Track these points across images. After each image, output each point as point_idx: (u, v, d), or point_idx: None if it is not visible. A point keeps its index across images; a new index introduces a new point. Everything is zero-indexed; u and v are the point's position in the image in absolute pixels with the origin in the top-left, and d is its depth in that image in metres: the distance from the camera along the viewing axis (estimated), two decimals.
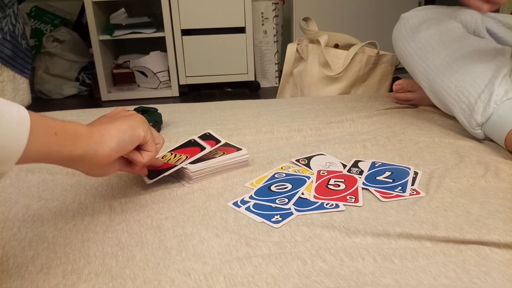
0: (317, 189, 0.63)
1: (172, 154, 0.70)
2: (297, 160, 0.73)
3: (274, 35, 2.50)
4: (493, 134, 0.78)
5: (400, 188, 0.63)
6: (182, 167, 0.65)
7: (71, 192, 0.65)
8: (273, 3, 2.43)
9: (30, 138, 0.39)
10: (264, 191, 0.63)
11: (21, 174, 0.71)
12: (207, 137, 0.72)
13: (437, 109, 0.97)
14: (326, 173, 0.68)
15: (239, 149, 0.71)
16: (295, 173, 0.69)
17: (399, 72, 1.36)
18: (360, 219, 0.55)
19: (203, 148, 0.68)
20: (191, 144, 0.71)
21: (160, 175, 0.64)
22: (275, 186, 0.64)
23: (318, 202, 0.59)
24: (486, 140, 0.81)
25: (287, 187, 0.64)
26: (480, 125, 0.79)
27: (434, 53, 0.88)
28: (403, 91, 1.07)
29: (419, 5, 2.50)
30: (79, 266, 0.47)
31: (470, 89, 0.80)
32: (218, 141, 0.70)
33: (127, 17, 2.31)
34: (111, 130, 0.51)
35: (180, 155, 0.68)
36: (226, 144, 0.72)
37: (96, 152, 0.48)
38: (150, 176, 0.65)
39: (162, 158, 0.69)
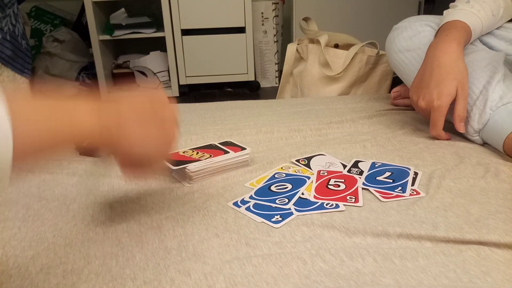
0: (317, 189, 0.63)
1: (194, 151, 0.71)
2: (297, 160, 0.73)
3: (274, 35, 2.50)
4: (490, 140, 0.77)
5: (400, 188, 0.63)
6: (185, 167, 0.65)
7: (72, 192, 0.65)
8: (273, 3, 2.44)
9: (15, 158, 0.32)
10: (264, 191, 0.63)
11: (21, 174, 0.71)
12: (228, 144, 0.74)
13: None
14: (326, 173, 0.68)
15: (243, 148, 0.71)
16: (295, 173, 0.69)
17: None
18: (360, 219, 0.55)
19: (226, 152, 0.69)
20: (212, 147, 0.72)
21: (184, 164, 0.65)
22: (275, 186, 0.64)
23: (318, 202, 0.59)
24: (485, 145, 0.80)
25: (287, 187, 0.64)
26: (477, 131, 0.79)
27: None
28: (401, 98, 1.07)
29: (419, 5, 2.50)
30: (79, 266, 0.47)
31: None
32: (243, 148, 0.71)
33: (127, 17, 2.31)
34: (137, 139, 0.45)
35: (203, 153, 0.69)
36: (230, 143, 0.74)
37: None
38: (174, 164, 0.66)
39: (184, 153, 0.70)
